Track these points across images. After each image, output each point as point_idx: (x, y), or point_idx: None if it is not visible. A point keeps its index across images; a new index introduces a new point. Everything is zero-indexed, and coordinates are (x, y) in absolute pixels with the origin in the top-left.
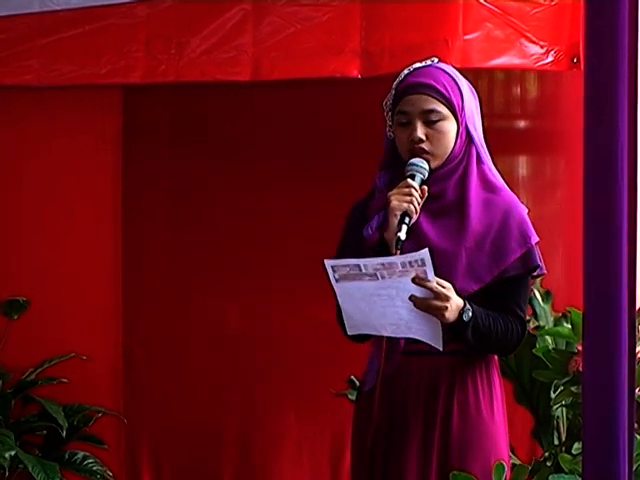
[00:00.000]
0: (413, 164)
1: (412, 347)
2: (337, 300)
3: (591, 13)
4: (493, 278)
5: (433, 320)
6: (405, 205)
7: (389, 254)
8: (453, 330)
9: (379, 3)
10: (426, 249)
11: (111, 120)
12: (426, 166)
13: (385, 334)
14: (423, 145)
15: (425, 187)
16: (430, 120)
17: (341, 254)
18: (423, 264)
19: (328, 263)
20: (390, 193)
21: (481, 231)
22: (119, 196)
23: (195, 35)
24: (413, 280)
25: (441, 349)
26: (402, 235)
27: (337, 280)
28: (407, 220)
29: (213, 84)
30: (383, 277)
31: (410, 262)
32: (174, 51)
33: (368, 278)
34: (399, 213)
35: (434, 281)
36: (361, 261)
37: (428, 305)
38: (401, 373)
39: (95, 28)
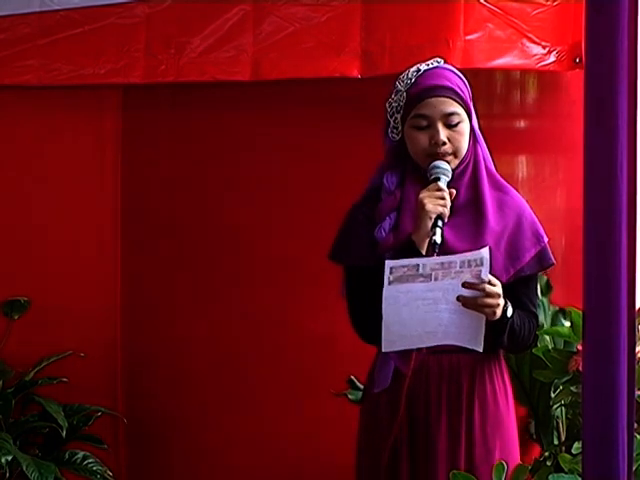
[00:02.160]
0: (438, 167)
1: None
2: (351, 302)
3: (591, 13)
4: (509, 277)
5: (476, 320)
6: (440, 209)
7: (413, 255)
8: (494, 328)
9: (379, 3)
10: (487, 248)
11: (111, 120)
12: (449, 168)
13: (419, 346)
14: (446, 148)
15: (453, 190)
16: (451, 123)
17: (343, 256)
18: (481, 263)
19: (389, 264)
20: (422, 196)
21: (498, 231)
22: (119, 196)
23: (195, 35)
24: (463, 285)
25: (480, 350)
26: (438, 239)
27: (390, 282)
28: (440, 223)
29: (213, 84)
30: (437, 278)
31: (469, 261)
32: (174, 51)
33: (422, 279)
34: (434, 216)
35: (487, 280)
36: (421, 260)
37: (480, 303)
38: (420, 371)
39: (95, 28)
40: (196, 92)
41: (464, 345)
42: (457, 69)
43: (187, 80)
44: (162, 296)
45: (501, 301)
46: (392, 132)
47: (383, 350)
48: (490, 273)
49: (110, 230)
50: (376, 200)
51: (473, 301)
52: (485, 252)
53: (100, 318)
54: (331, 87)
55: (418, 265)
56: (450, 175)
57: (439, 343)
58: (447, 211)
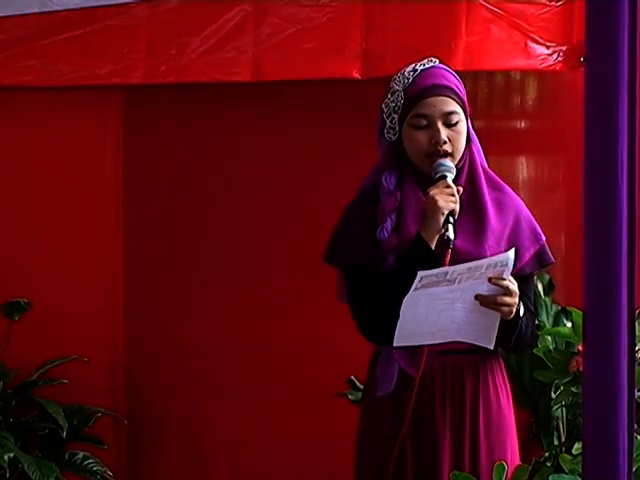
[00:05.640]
0: (443, 164)
1: (436, 347)
2: (358, 304)
3: (591, 13)
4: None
5: (490, 319)
6: (452, 205)
7: (420, 254)
8: (504, 327)
9: (380, 4)
10: (512, 250)
11: (112, 120)
12: (453, 166)
13: (430, 342)
14: (446, 147)
15: (460, 188)
16: (450, 122)
17: (340, 258)
18: (505, 264)
19: (421, 274)
20: (433, 193)
21: (499, 230)
22: (120, 196)
23: (195, 35)
24: (490, 280)
25: (492, 348)
26: (451, 234)
27: (416, 289)
28: (452, 219)
29: (213, 84)
30: (460, 281)
31: (495, 263)
32: (174, 51)
33: (445, 284)
34: (446, 212)
35: (508, 279)
36: (450, 268)
37: (499, 302)
38: (424, 375)
39: (95, 29)
40: (196, 93)
41: (475, 342)
42: (457, 71)
43: (188, 81)
44: (164, 297)
45: (517, 300)
46: (388, 132)
47: (395, 344)
48: None
49: (111, 230)
50: (372, 201)
51: (492, 299)
52: (512, 254)
53: (101, 319)
54: (331, 88)
55: (447, 272)
56: (454, 173)
57: (449, 340)
58: (457, 207)
